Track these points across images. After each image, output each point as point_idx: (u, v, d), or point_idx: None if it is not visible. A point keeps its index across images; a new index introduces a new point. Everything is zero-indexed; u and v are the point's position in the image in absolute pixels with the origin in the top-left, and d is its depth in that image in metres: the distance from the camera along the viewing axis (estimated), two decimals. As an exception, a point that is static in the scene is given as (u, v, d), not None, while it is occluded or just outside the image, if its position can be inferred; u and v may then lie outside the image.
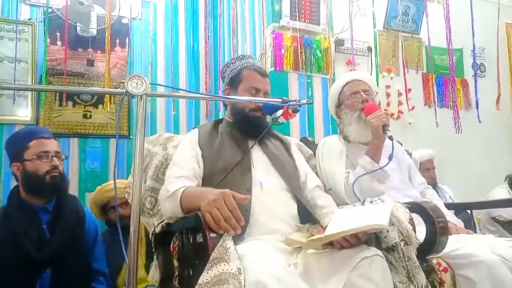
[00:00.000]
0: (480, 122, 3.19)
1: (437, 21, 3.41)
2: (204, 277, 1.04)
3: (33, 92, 3.19)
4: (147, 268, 2.11)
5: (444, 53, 3.68)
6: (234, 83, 1.67)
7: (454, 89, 3.74)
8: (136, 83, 1.22)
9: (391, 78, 3.62)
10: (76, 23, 3.27)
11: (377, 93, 1.96)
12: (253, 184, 1.47)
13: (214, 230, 1.14)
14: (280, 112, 1.55)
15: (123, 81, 2.84)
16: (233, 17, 3.39)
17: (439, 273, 1.29)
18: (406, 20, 3.71)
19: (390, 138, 1.67)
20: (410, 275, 1.17)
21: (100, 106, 3.39)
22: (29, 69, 3.22)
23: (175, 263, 1.40)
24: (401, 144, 2.10)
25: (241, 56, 1.75)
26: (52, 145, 1.85)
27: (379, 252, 1.17)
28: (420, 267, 1.19)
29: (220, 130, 1.65)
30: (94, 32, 3.35)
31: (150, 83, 1.24)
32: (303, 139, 2.06)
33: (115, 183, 1.36)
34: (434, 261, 1.32)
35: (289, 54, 2.84)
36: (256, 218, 1.39)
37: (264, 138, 1.63)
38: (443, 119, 3.44)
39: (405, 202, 1.41)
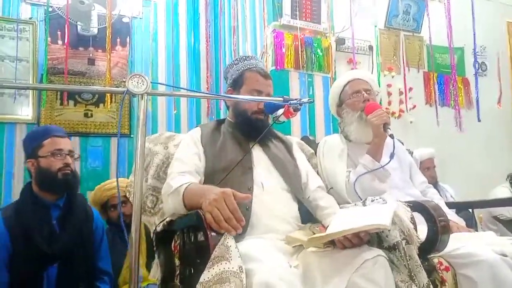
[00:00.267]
0: (480, 121, 3.19)
1: (438, 20, 3.41)
2: (205, 276, 1.04)
3: (34, 91, 3.20)
4: (148, 267, 2.11)
5: (445, 52, 3.67)
6: (236, 84, 1.67)
7: (455, 88, 3.73)
8: (137, 82, 1.22)
9: (392, 77, 3.62)
10: (77, 22, 3.27)
11: (378, 92, 1.96)
12: (254, 184, 1.47)
13: (215, 229, 1.14)
14: (281, 111, 1.55)
15: (124, 80, 2.85)
16: (234, 15, 3.38)
17: (441, 272, 1.29)
18: (407, 18, 3.70)
19: (391, 136, 1.67)
20: (412, 274, 1.17)
21: (101, 105, 3.39)
22: (30, 68, 3.22)
23: (177, 261, 1.40)
24: (402, 143, 2.10)
25: (244, 57, 1.75)
26: (65, 143, 1.92)
27: (381, 252, 1.17)
28: (421, 266, 1.19)
29: (222, 130, 1.66)
30: (95, 31, 3.35)
31: (151, 82, 1.24)
32: (304, 138, 2.06)
33: (117, 181, 1.37)
34: (436, 260, 1.32)
35: (290, 53, 2.84)
36: (257, 218, 1.39)
37: (265, 139, 1.63)
38: (444, 117, 3.44)
39: (406, 201, 1.41)
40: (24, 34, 3.23)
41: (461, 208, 2.15)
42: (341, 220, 1.31)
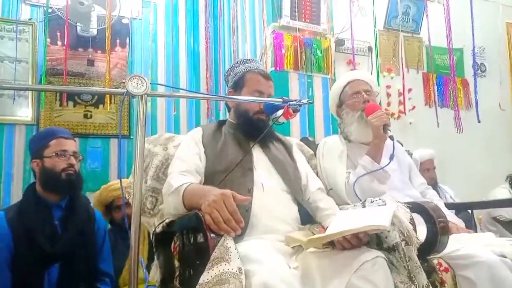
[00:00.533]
0: (479, 122, 3.19)
1: (438, 21, 3.42)
2: (204, 277, 1.04)
3: (33, 92, 3.20)
4: (148, 268, 2.11)
5: (445, 53, 3.68)
6: (237, 86, 1.68)
7: (455, 89, 3.74)
8: (137, 83, 1.22)
9: (392, 78, 3.62)
10: (76, 23, 3.27)
11: (378, 93, 1.96)
12: (254, 185, 1.47)
13: (214, 231, 1.14)
14: (280, 112, 1.55)
15: (124, 81, 2.85)
16: (234, 16, 3.38)
17: (440, 273, 1.29)
18: (406, 20, 3.71)
19: (391, 138, 1.67)
20: (411, 275, 1.16)
21: (101, 106, 3.39)
22: (29, 69, 3.22)
23: (176, 263, 1.40)
24: (401, 144, 2.10)
25: (244, 60, 1.75)
26: (70, 145, 1.94)
27: (380, 253, 1.17)
28: (421, 267, 1.19)
29: (223, 131, 1.66)
30: (95, 32, 3.35)
31: (150, 83, 1.24)
32: (304, 139, 2.06)
33: (121, 182, 1.38)
34: (435, 261, 1.32)
35: (290, 54, 2.84)
36: (257, 219, 1.39)
37: (265, 140, 1.63)
38: (443, 118, 3.44)
39: (405, 202, 1.41)
40: (23, 35, 3.24)
41: (461, 209, 2.15)
42: (340, 221, 1.31)
